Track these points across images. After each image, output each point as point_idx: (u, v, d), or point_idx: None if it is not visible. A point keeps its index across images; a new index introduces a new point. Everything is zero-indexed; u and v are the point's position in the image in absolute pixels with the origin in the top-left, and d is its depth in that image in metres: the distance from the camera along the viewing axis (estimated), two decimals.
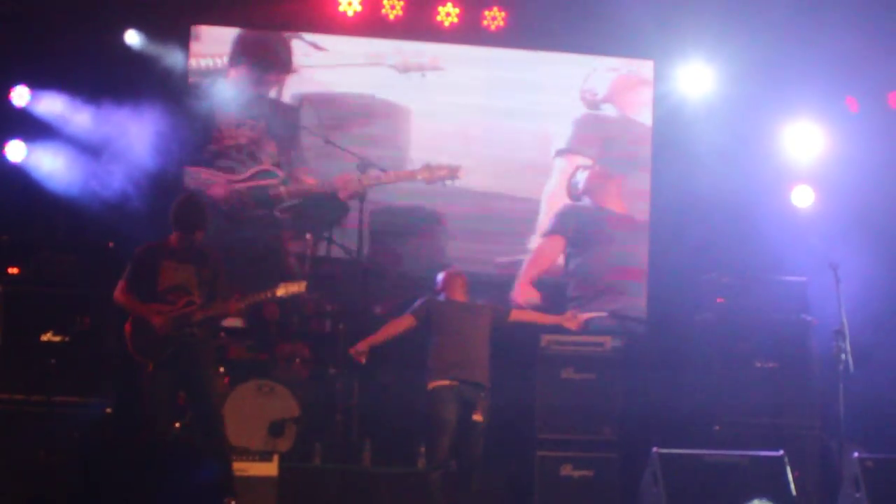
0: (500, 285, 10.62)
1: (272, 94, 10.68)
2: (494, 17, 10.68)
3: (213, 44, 10.60)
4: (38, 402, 8.57)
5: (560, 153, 10.92)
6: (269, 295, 7.87)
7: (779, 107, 10.50)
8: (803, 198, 10.66)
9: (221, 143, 10.53)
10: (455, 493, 8.22)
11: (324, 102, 10.68)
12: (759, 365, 9.37)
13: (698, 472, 7.98)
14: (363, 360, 8.46)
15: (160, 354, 7.68)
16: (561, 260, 10.82)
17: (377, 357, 9.19)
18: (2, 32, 9.93)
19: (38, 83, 10.06)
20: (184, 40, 10.46)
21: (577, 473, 9.01)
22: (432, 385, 8.23)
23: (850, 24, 9.85)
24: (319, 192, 10.53)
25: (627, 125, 11.03)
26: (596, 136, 10.97)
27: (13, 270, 9.18)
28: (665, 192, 10.76)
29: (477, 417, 8.17)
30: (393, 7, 10.55)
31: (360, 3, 10.51)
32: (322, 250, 10.41)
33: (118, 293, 7.82)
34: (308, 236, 10.22)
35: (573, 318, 8.84)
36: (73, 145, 10.05)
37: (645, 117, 11.00)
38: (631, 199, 10.93)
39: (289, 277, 9.02)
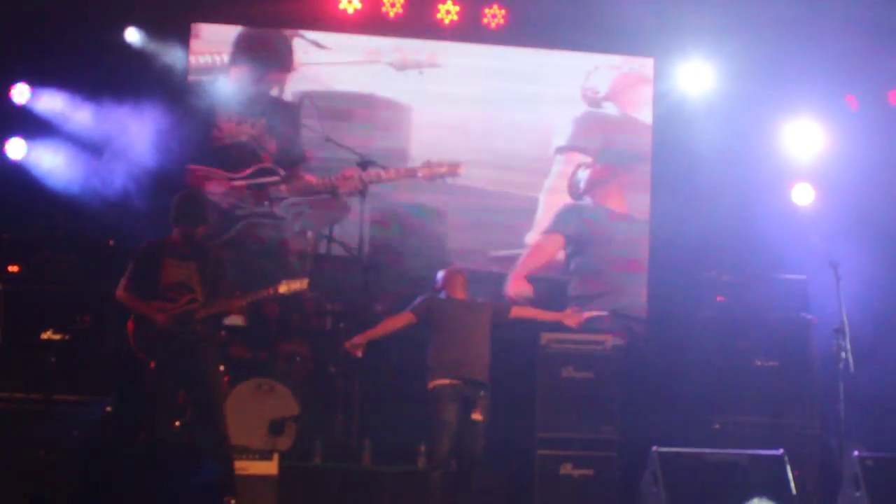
0: (499, 282, 10.63)
1: (273, 91, 10.67)
2: (494, 15, 10.67)
3: (214, 41, 10.59)
4: (38, 401, 8.58)
5: (560, 150, 10.92)
6: (271, 292, 7.87)
7: (779, 104, 10.50)
8: (803, 196, 10.66)
9: (222, 140, 10.52)
10: (455, 492, 8.21)
11: (324, 100, 10.68)
12: (759, 363, 9.37)
13: (698, 471, 7.98)
14: (359, 354, 8.43)
15: (162, 352, 7.68)
16: (560, 257, 10.82)
17: (378, 356, 9.21)
18: (2, 30, 9.92)
19: (39, 81, 10.06)
20: (184, 38, 10.46)
21: (577, 472, 9.00)
22: (432, 384, 8.22)
23: (850, 21, 9.85)
24: (320, 190, 10.53)
25: (628, 123, 11.02)
26: (596, 133, 10.96)
27: (13, 269, 9.18)
28: (665, 190, 10.74)
29: (477, 416, 8.16)
30: (393, 5, 10.54)
31: (361, 1, 10.51)
32: (322, 248, 10.42)
33: (120, 291, 7.82)
34: (309, 234, 10.22)
35: (573, 315, 8.84)
36: (74, 143, 10.06)
37: (645, 115, 10.99)
38: (631, 197, 10.92)
39: (290, 275, 9.01)
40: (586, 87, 10.93)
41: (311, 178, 10.56)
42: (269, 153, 10.57)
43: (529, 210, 10.82)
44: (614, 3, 9.95)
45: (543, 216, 10.82)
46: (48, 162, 10.05)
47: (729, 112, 10.51)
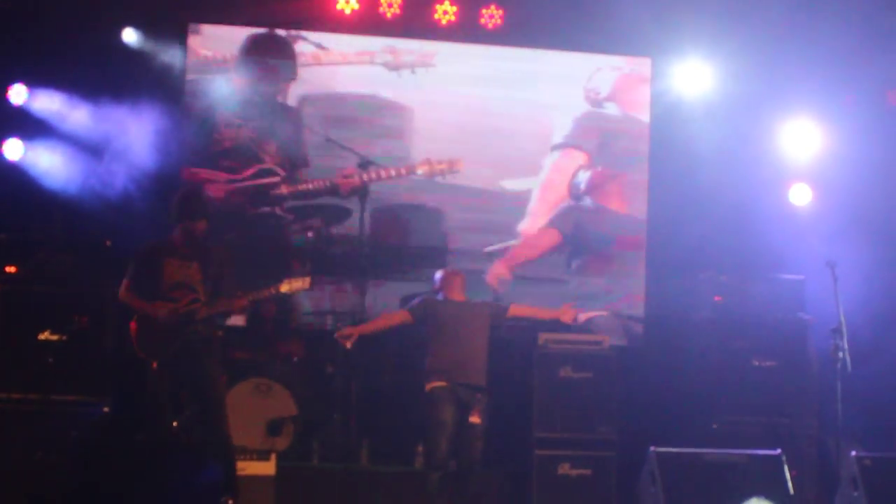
0: None
1: (272, 92, 10.66)
2: (492, 16, 10.66)
3: (212, 42, 10.56)
4: (36, 401, 8.59)
5: (556, 147, 10.90)
6: (273, 291, 7.86)
7: (777, 104, 10.49)
8: (801, 196, 10.65)
9: (222, 142, 10.51)
10: (453, 493, 8.20)
11: (324, 100, 10.67)
12: (756, 363, 9.39)
13: (696, 471, 8.00)
14: (349, 345, 8.43)
15: (164, 353, 7.68)
16: (553, 252, 10.78)
17: (376, 356, 9.21)
18: None
19: (36, 81, 10.04)
20: (182, 39, 10.44)
21: (574, 472, 9.00)
22: (429, 386, 8.23)
23: (848, 21, 9.84)
24: (321, 190, 10.52)
25: (628, 123, 11.01)
26: (595, 132, 10.95)
27: (11, 269, 9.16)
28: (663, 189, 10.74)
29: (475, 419, 8.17)
30: (390, 5, 10.53)
31: (358, 2, 10.49)
32: (323, 248, 10.41)
33: (122, 292, 7.83)
34: (309, 234, 10.22)
35: (570, 311, 8.80)
36: (71, 143, 10.03)
37: (645, 115, 10.98)
38: (630, 197, 10.92)
39: (291, 275, 9.01)
40: (589, 87, 10.92)
41: (311, 179, 10.55)
42: (269, 154, 10.55)
43: (524, 203, 10.81)
44: (611, 4, 9.94)
45: (537, 208, 10.79)
46: (45, 162, 10.03)
47: (727, 112, 10.50)
